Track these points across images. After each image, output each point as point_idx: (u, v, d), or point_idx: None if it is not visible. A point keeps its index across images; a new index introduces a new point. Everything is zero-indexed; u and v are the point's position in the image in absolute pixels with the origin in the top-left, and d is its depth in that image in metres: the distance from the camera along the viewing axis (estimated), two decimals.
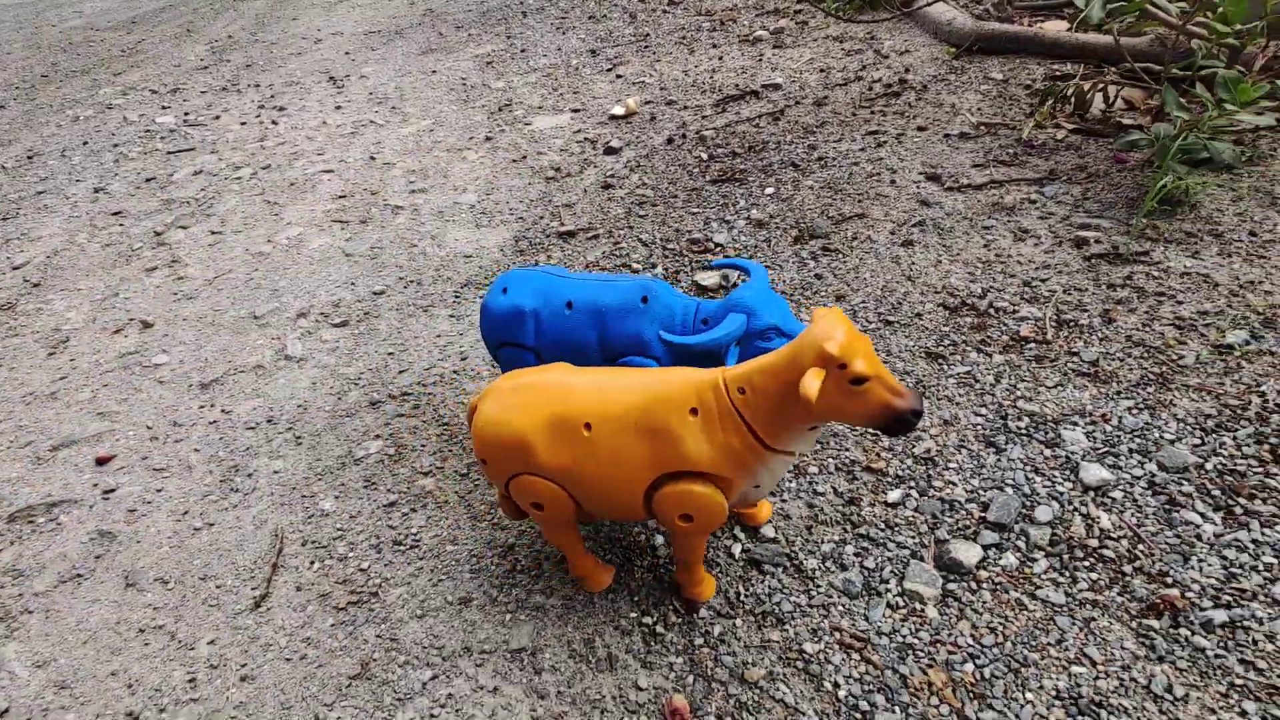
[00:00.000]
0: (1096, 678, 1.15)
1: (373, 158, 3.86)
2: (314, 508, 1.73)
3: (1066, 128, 2.72)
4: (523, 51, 5.48)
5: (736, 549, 1.45)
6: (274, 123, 4.60)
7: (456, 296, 2.51)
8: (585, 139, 3.62)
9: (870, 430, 1.64)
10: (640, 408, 1.16)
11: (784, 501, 1.54)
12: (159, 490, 1.83)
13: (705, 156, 3.15)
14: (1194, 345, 1.69)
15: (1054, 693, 1.14)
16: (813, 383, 1.01)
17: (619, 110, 3.83)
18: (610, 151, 3.41)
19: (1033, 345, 1.80)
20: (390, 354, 2.25)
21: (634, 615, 1.38)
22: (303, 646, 1.41)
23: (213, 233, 3.21)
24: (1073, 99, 2.55)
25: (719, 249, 2.47)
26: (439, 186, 3.42)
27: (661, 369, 1.22)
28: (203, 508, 1.77)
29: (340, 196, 3.43)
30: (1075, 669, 1.17)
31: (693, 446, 1.13)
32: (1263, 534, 1.28)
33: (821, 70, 3.88)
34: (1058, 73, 3.23)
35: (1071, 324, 1.84)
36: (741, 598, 1.37)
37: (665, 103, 3.88)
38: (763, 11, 5.13)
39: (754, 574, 1.41)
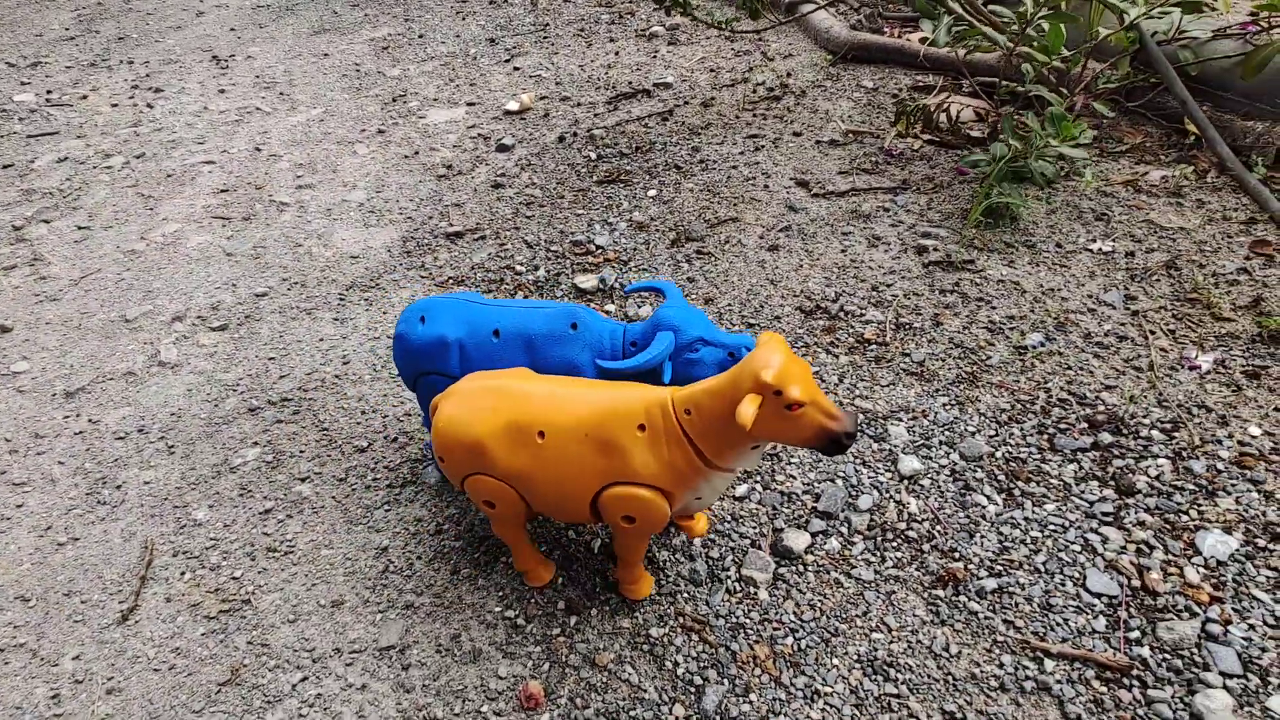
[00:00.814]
0: (891, 642, 1.34)
1: (258, 149, 3.75)
2: (186, 518, 1.74)
3: (922, 138, 2.96)
4: (421, 37, 5.38)
5: (596, 544, 1.58)
6: (149, 106, 4.37)
7: (341, 299, 2.51)
8: (479, 135, 3.64)
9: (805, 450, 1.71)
10: (592, 421, 1.23)
11: None
12: (19, 506, 1.80)
13: (594, 156, 3.24)
14: (1000, 347, 1.92)
15: (856, 657, 1.32)
16: (748, 409, 1.08)
17: (514, 106, 3.86)
18: (503, 149, 3.44)
19: (874, 347, 2.00)
20: (271, 359, 2.25)
21: (498, 610, 1.48)
22: (172, 656, 1.45)
23: (80, 228, 3.06)
24: (920, 116, 2.77)
25: (600, 251, 2.57)
26: (327, 182, 3.37)
27: (617, 385, 1.28)
28: (67, 522, 1.75)
29: (222, 190, 3.33)
30: (875, 635, 1.35)
31: (639, 461, 1.21)
32: (1033, 512, 1.50)
33: (711, 70, 4.02)
34: (921, 83, 3.48)
35: (907, 327, 2.05)
36: (598, 589, 1.50)
37: (560, 98, 3.93)
38: (660, 5, 5.22)
39: (611, 567, 1.54)
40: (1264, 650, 1.24)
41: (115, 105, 4.39)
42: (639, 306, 2.30)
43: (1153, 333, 1.89)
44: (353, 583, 1.57)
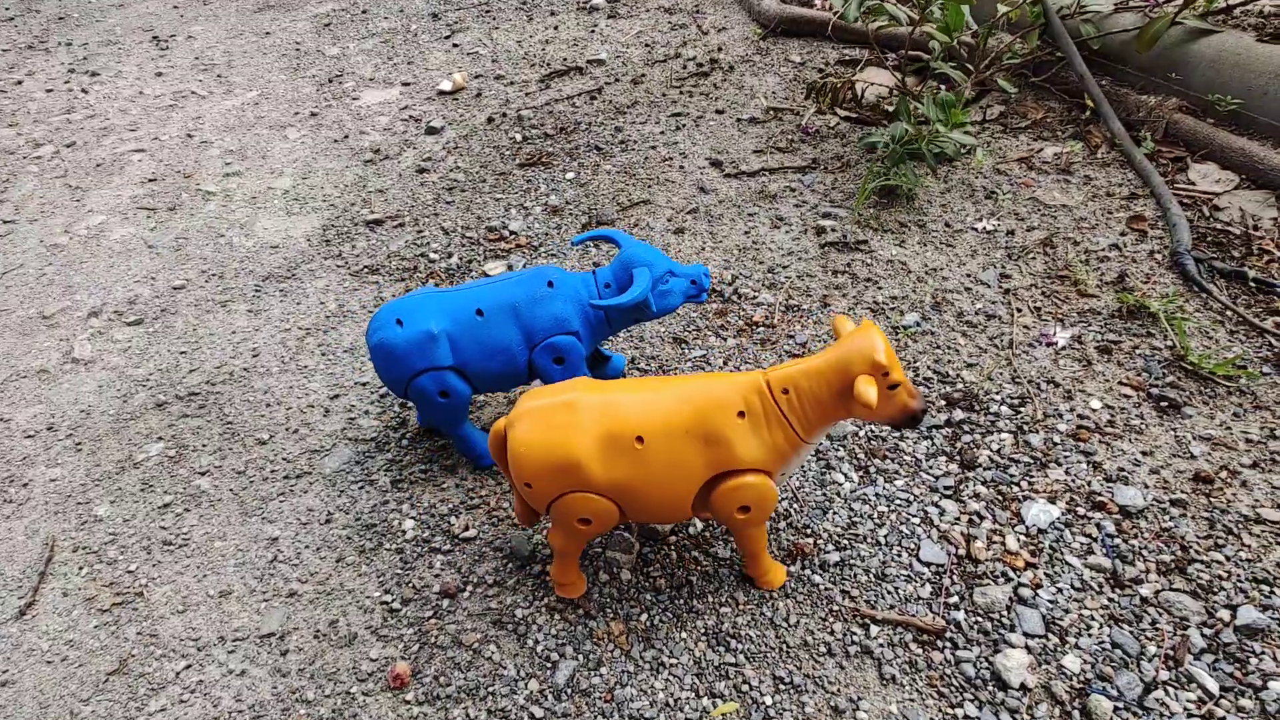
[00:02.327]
0: (737, 615, 1.43)
1: (190, 135, 3.73)
2: (88, 514, 1.80)
3: (840, 114, 2.99)
4: (364, 12, 5.30)
5: (472, 532, 1.66)
6: (84, 91, 4.32)
7: (257, 291, 2.55)
8: (410, 116, 3.63)
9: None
10: (691, 416, 1.24)
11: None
12: None
13: (519, 138, 3.25)
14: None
15: (703, 630, 1.42)
16: (870, 390, 1.15)
17: (447, 86, 3.85)
18: (432, 131, 3.44)
19: (761, 329, 2.07)
20: (183, 353, 2.30)
21: (377, 595, 1.56)
22: (65, 649, 1.53)
23: (5, 222, 3.06)
24: (829, 94, 2.80)
25: (513, 236, 2.61)
26: (255, 169, 3.37)
27: (700, 377, 1.30)
28: None
29: (150, 180, 3.33)
30: (723, 609, 1.44)
31: (743, 448, 1.23)
32: (884, 488, 1.59)
33: (647, 45, 4.01)
34: (847, 58, 3.50)
35: (796, 309, 2.11)
36: (474, 573, 1.58)
37: (494, 77, 3.92)
38: None
39: (488, 552, 1.62)
40: (1066, 612, 1.34)
41: (50, 90, 4.34)
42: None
43: (1019, 310, 1.97)
44: (242, 573, 1.64)
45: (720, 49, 3.78)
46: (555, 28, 4.45)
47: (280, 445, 1.95)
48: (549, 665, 1.41)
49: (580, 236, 1.72)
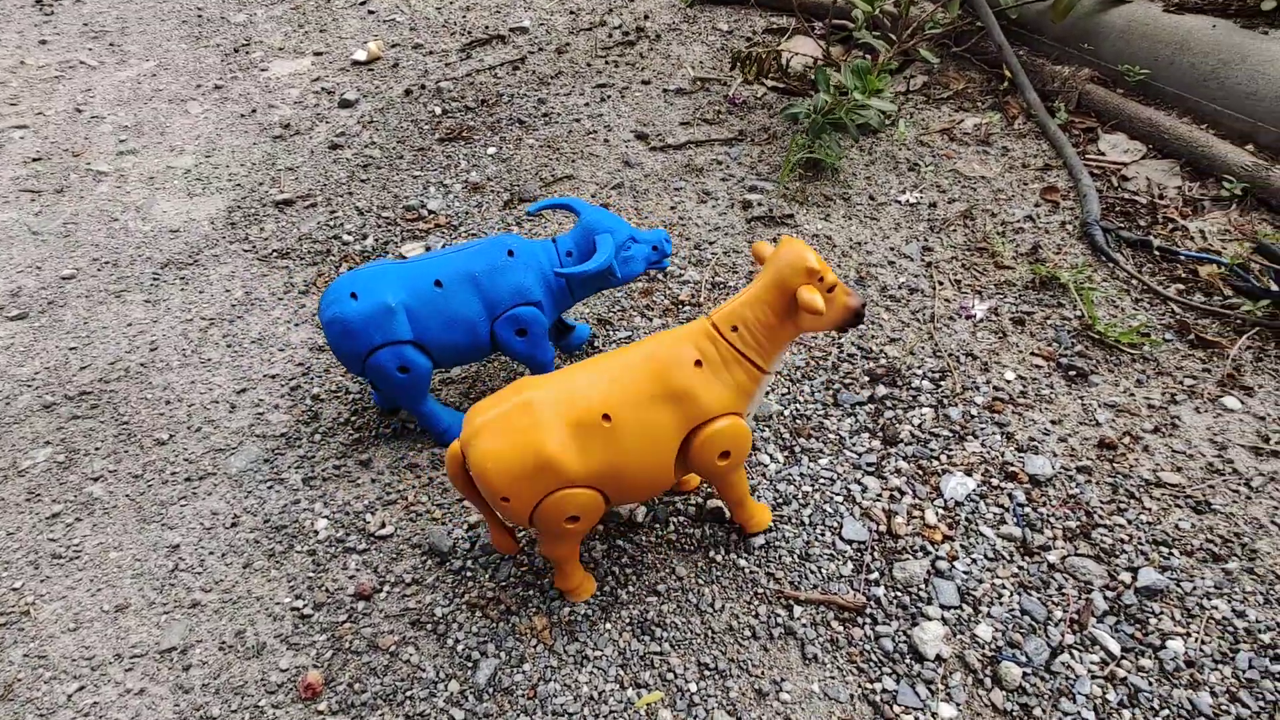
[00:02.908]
0: (662, 603, 1.41)
1: (79, 109, 3.45)
2: None
3: (767, 85, 2.95)
4: None
5: (389, 529, 1.59)
6: None
7: (155, 279, 2.38)
8: (323, 89, 3.44)
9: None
10: (651, 379, 1.21)
11: (444, 475, 1.69)
12: None
13: (439, 111, 3.11)
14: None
15: (628, 620, 1.40)
16: (815, 296, 1.16)
17: (362, 56, 3.65)
18: (346, 105, 3.27)
19: (688, 308, 2.04)
20: (73, 349, 2.13)
21: (288, 601, 1.49)
22: None
23: None
24: (755, 64, 2.75)
25: (432, 216, 2.50)
26: (153, 146, 3.14)
27: (645, 341, 1.27)
28: None
29: (34, 159, 3.07)
30: (648, 599, 1.42)
31: (709, 396, 1.22)
32: (808, 467, 1.59)
33: (572, 12, 3.88)
34: (775, 26, 3.45)
35: (722, 286, 2.08)
36: (391, 572, 1.52)
37: (412, 46, 3.74)
38: None
39: (406, 549, 1.56)
40: (980, 582, 1.36)
41: None
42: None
43: (940, 283, 1.99)
44: (140, 584, 1.54)
45: (646, 17, 3.68)
46: None
47: (181, 445, 1.83)
48: (470, 665, 1.36)
49: (537, 204, 1.68)
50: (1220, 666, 1.22)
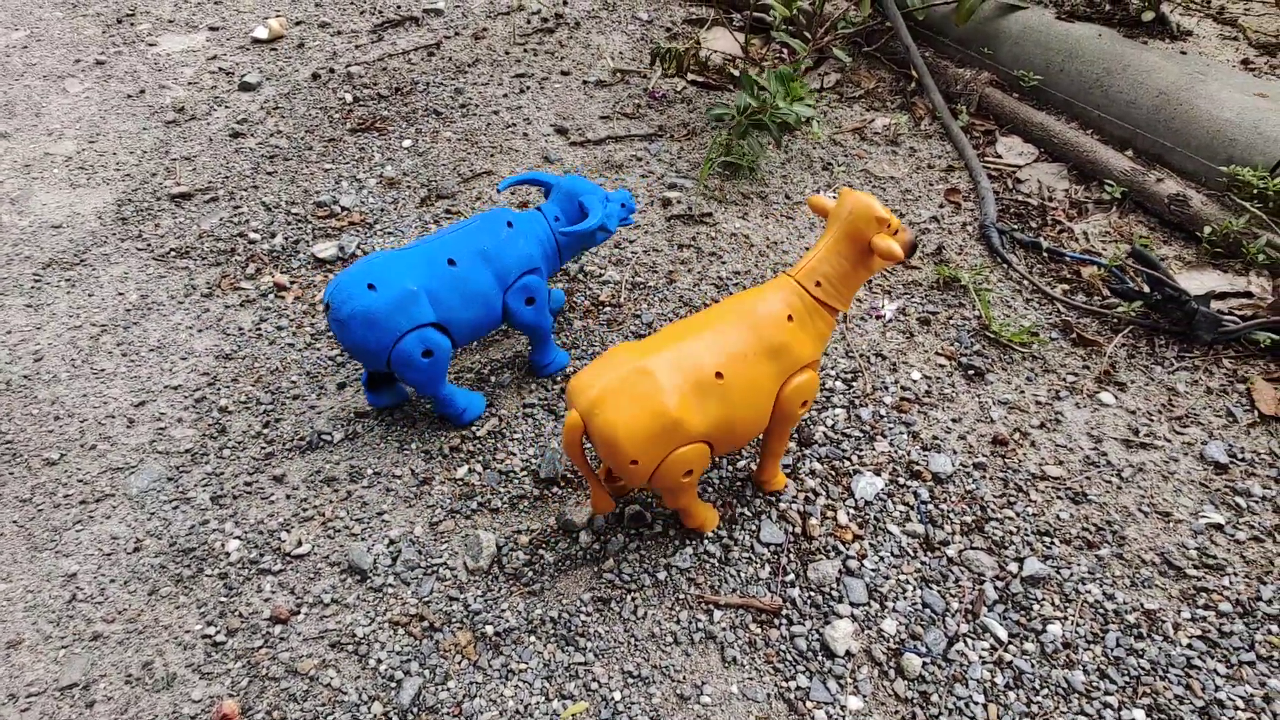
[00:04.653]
0: (586, 613, 1.44)
1: None
2: None
3: (687, 79, 2.96)
4: None
5: (305, 547, 1.55)
6: None
7: (37, 280, 2.21)
8: (220, 69, 3.23)
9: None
10: (754, 336, 1.32)
11: (363, 489, 1.66)
12: None
13: (350, 98, 2.98)
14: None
15: (552, 631, 1.42)
16: (892, 244, 1.28)
17: (263, 33, 3.44)
18: (247, 88, 3.08)
19: (608, 309, 2.05)
20: None
21: (198, 628, 1.44)
22: None
23: None
24: (674, 59, 2.76)
25: (345, 213, 2.41)
26: (27, 130, 2.88)
27: (739, 300, 1.37)
28: None
29: None
30: (572, 609, 1.45)
31: (801, 348, 1.35)
32: (727, 471, 1.64)
33: None
34: (694, 16, 3.46)
35: (642, 286, 2.10)
36: (309, 593, 1.48)
37: (319, 25, 3.55)
38: None
39: (324, 568, 1.53)
40: (886, 579, 1.45)
41: None
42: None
43: None
44: (33, 618, 1.45)
45: (565, 2, 3.61)
46: None
47: (74, 465, 1.72)
48: (393, 685, 1.36)
49: (507, 181, 1.78)
50: (1092, 646, 1.35)
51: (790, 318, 1.35)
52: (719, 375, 1.29)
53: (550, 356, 1.82)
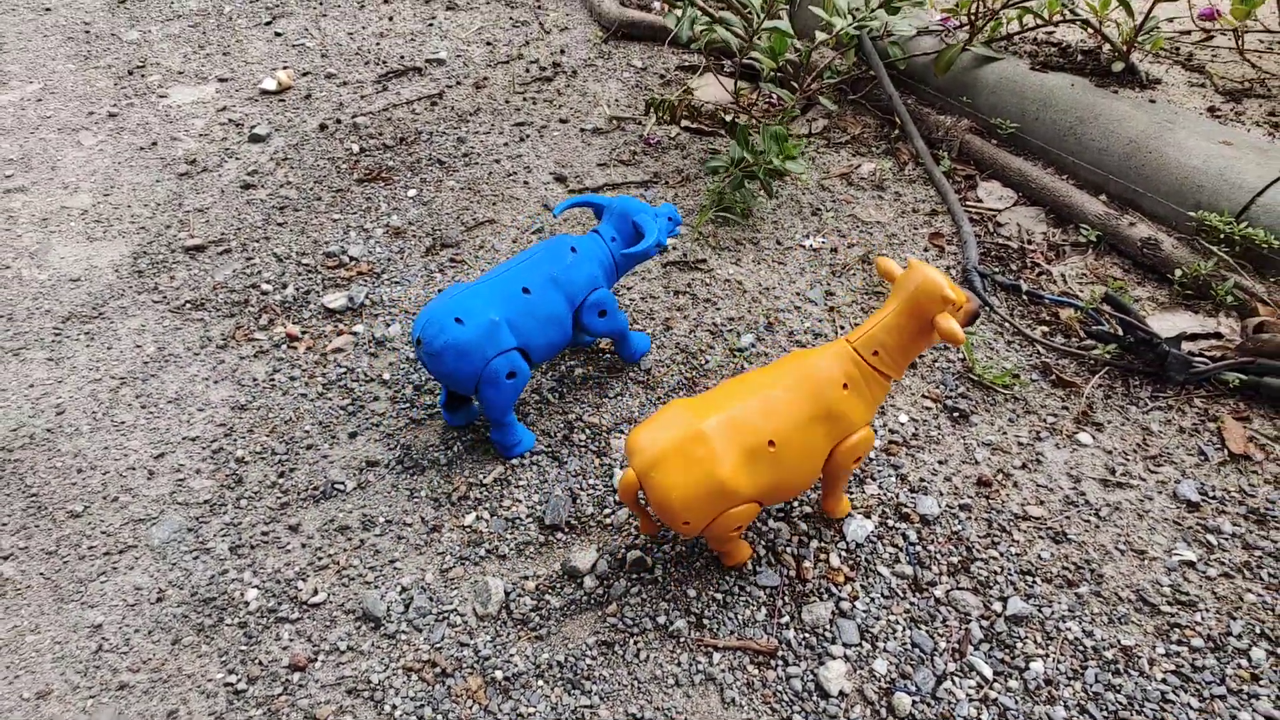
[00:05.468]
0: (591, 657, 1.51)
1: None
2: None
3: (680, 125, 3.08)
4: None
5: (321, 596, 1.62)
6: None
7: (57, 334, 2.29)
8: (230, 120, 3.35)
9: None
10: (809, 405, 1.39)
11: (375, 536, 1.73)
12: None
13: (356, 149, 3.09)
14: (718, 349, 2.12)
15: (559, 675, 1.48)
16: (955, 325, 1.35)
17: (272, 85, 3.57)
18: (256, 139, 3.20)
19: (608, 356, 2.13)
20: None
21: (220, 677, 1.50)
22: None
23: None
24: (667, 109, 2.88)
25: (353, 263, 2.51)
26: (44, 183, 2.99)
27: (794, 363, 1.45)
28: None
29: None
30: (577, 652, 1.51)
31: (855, 413, 1.43)
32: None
33: (488, 44, 3.90)
34: (687, 63, 3.59)
35: (640, 333, 2.19)
36: (325, 640, 1.55)
37: (325, 75, 3.68)
38: None
39: (340, 616, 1.59)
40: (877, 619, 1.52)
41: None
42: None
43: (842, 328, 2.16)
44: (61, 668, 1.52)
45: (563, 51, 3.75)
46: (390, 18, 4.23)
47: (98, 517, 1.80)
48: None
49: (562, 206, 1.95)
50: (1072, 682, 1.42)
51: (846, 385, 1.41)
52: (771, 444, 1.36)
53: (634, 346, 2.05)
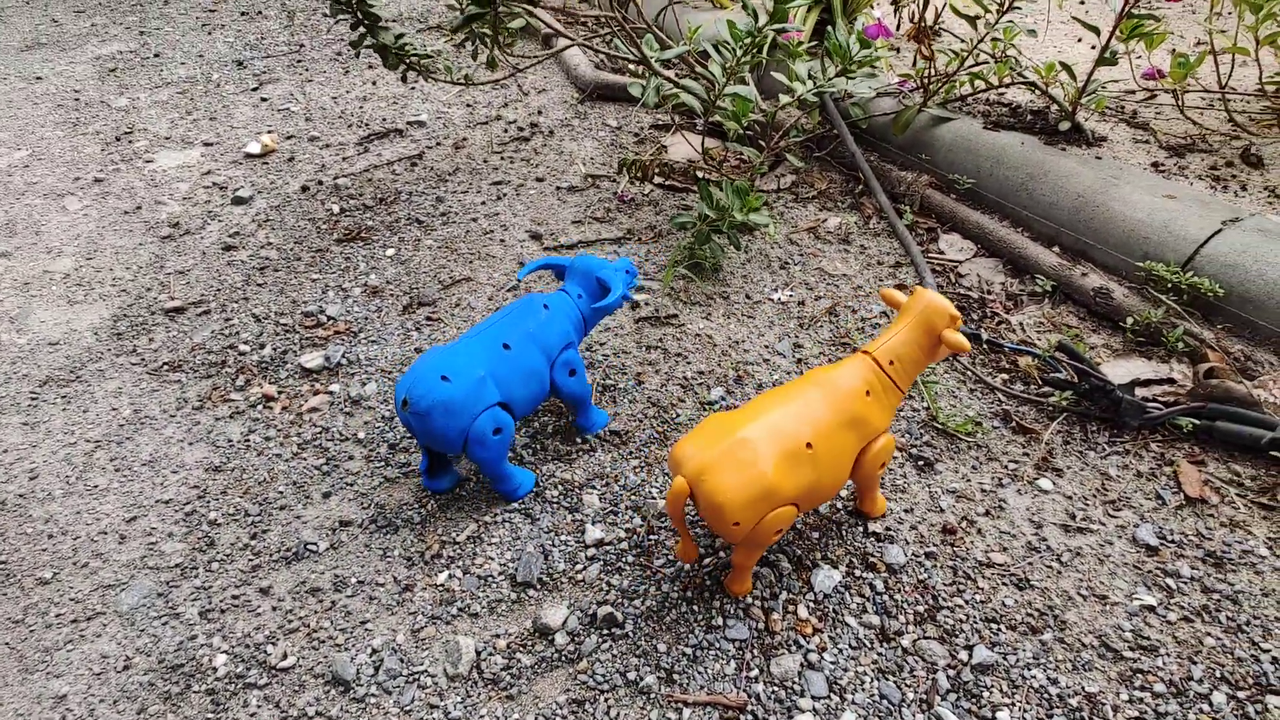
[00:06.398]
0: (556, 714, 1.50)
1: None
2: None
3: (654, 182, 3.19)
4: (156, 56, 4.92)
5: (290, 660, 1.61)
6: None
7: (34, 399, 2.31)
8: (214, 183, 3.43)
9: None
10: (839, 411, 1.53)
11: (347, 598, 1.73)
12: None
13: (336, 210, 3.17)
14: (689, 403, 2.16)
15: None
16: (961, 337, 1.55)
17: (256, 148, 3.67)
18: (239, 201, 3.27)
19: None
20: None
21: None
22: None
23: None
24: (640, 168, 2.98)
25: (331, 322, 2.55)
26: (27, 248, 3.04)
27: (822, 376, 1.58)
28: None
29: None
30: (542, 709, 1.51)
31: (877, 419, 1.58)
32: (693, 568, 1.73)
33: (468, 105, 4.04)
34: (660, 122, 3.73)
35: (612, 388, 2.23)
36: (293, 706, 1.54)
37: (308, 138, 3.78)
38: (425, 27, 5.13)
39: (309, 680, 1.58)
40: (845, 671, 1.53)
41: None
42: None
43: None
44: None
45: (541, 112, 3.88)
46: (374, 83, 4.37)
47: (67, 584, 1.79)
48: None
49: (527, 268, 2.03)
50: None
51: (868, 393, 1.56)
52: (809, 446, 1.48)
53: (593, 418, 2.09)
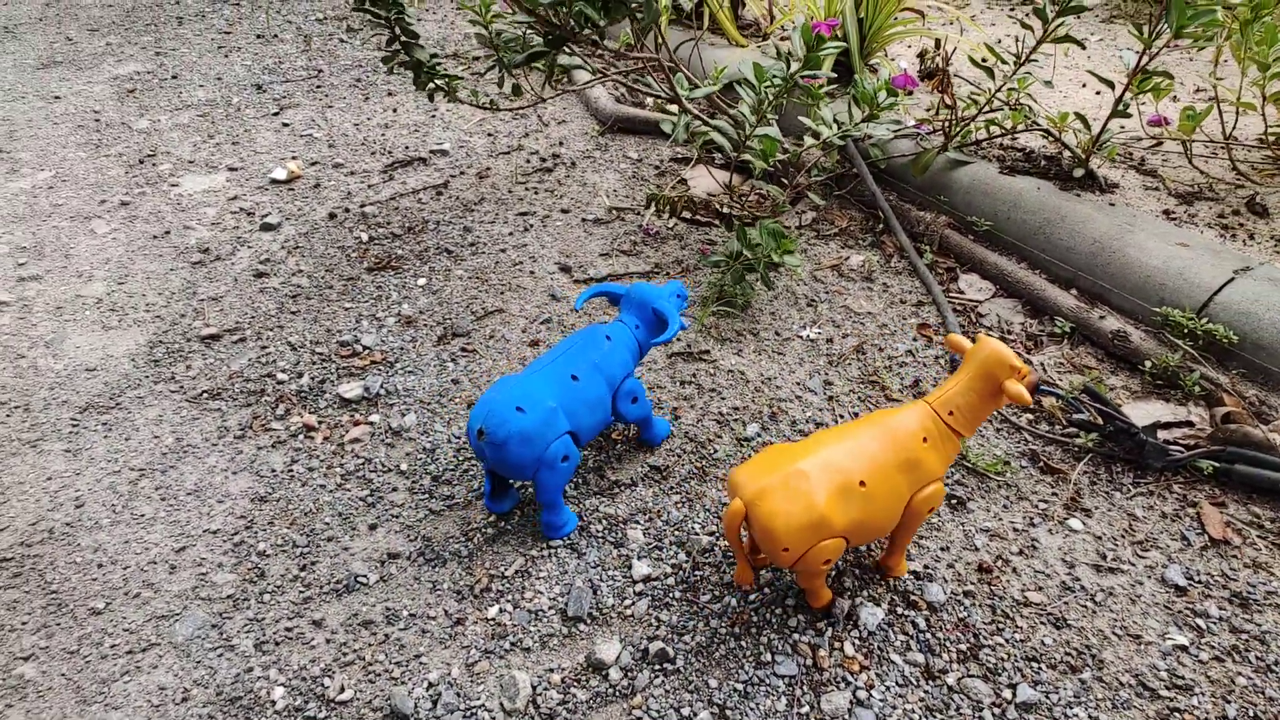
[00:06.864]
0: None
1: None
2: None
3: (679, 217, 3.26)
4: (174, 77, 4.97)
5: (348, 693, 1.64)
6: None
7: (74, 425, 2.33)
8: (241, 209, 3.47)
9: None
10: (894, 453, 1.58)
11: (400, 630, 1.76)
12: None
13: (365, 237, 3.22)
14: (725, 439, 2.22)
15: None
16: (1023, 389, 1.57)
17: (281, 174, 3.71)
18: (268, 228, 3.31)
19: (619, 446, 2.22)
20: None
21: None
22: None
23: None
24: (666, 204, 3.06)
25: (367, 352, 2.59)
26: (58, 271, 3.06)
27: (882, 419, 1.63)
28: None
29: None
30: None
31: (932, 465, 1.62)
32: (741, 603, 1.78)
33: (489, 134, 4.11)
34: (680, 155, 3.82)
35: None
36: None
37: (333, 165, 3.84)
38: (443, 54, 5.21)
39: (368, 713, 1.61)
40: (894, 708, 1.58)
41: None
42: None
43: (842, 416, 2.28)
44: None
45: (562, 143, 3.96)
46: (394, 110, 4.44)
47: (119, 614, 1.80)
48: None
49: (585, 295, 2.10)
50: None
51: (925, 439, 1.61)
52: (862, 484, 1.55)
53: (655, 430, 2.19)
